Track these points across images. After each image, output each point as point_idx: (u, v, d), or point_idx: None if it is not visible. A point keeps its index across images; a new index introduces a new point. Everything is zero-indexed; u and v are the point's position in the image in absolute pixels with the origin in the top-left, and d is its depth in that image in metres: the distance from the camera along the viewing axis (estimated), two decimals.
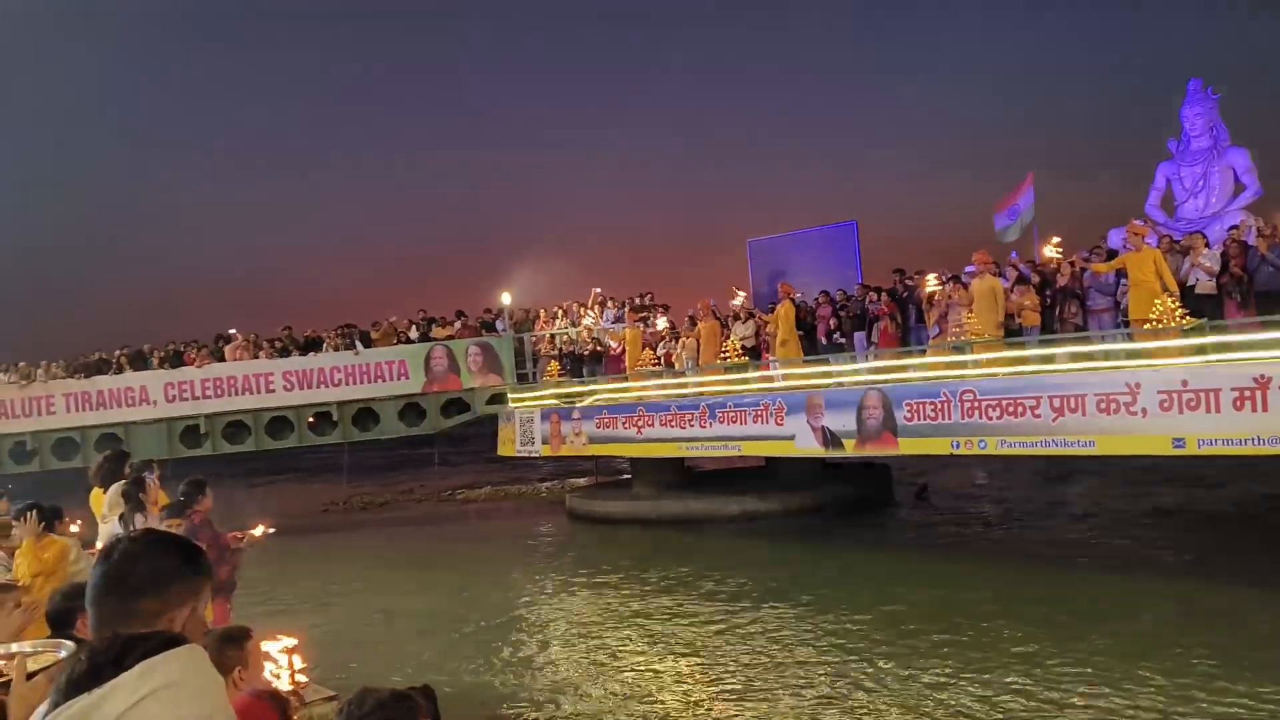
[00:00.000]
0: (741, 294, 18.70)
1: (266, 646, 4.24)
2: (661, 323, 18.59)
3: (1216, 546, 11.71)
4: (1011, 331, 13.07)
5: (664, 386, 16.70)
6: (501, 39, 75.88)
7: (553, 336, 20.33)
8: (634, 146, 71.54)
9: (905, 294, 15.33)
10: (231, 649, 3.24)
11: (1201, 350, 10.49)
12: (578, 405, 17.56)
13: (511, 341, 19.97)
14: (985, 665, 7.60)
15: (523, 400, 18.71)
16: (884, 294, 15.49)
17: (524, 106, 75.20)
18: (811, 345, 15.94)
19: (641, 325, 18.69)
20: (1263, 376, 9.40)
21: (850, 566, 11.93)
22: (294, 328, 21.58)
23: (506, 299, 21.41)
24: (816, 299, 16.60)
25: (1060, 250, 13.63)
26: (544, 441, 17.84)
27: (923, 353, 13.79)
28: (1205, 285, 12.10)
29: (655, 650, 8.79)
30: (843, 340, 15.70)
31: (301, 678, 4.70)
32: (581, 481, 22.16)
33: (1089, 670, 7.32)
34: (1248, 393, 9.47)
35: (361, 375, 19.76)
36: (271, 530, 6.79)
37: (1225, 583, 9.81)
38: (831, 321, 15.97)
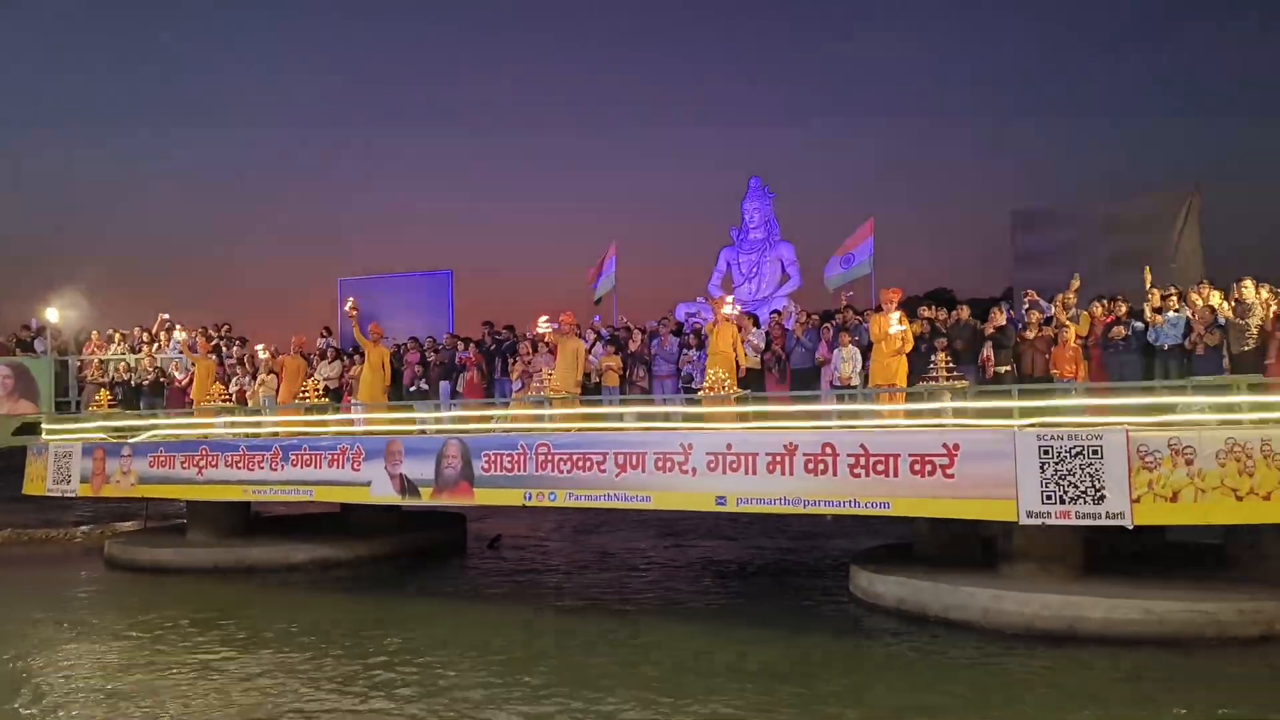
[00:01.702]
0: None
1: None
2: (236, 356, 17.35)
3: (739, 592, 13.02)
4: (588, 390, 13.80)
5: (234, 424, 15.54)
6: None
7: (104, 362, 18.15)
8: (225, 165, 66.71)
9: (493, 346, 15.65)
10: None
11: (744, 418, 11.78)
12: (130, 441, 15.78)
13: (52, 365, 17.54)
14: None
15: (61, 432, 16.44)
16: (473, 344, 15.70)
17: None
18: (397, 391, 15.70)
19: (214, 357, 17.33)
20: (791, 444, 10.74)
21: (410, 614, 11.76)
22: None
23: (52, 315, 18.82)
24: (405, 344, 16.42)
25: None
26: (83, 480, 15.78)
27: (505, 405, 14.11)
28: (751, 360, 13.64)
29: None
30: (427, 387, 15.63)
31: None
32: (128, 526, 19.82)
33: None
34: (779, 457, 10.76)
35: None
36: None
37: (733, 624, 10.90)
38: (418, 368, 15.86)
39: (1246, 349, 11.23)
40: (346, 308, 15.72)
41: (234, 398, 16.43)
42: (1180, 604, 9.30)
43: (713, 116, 66.91)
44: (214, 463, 14.66)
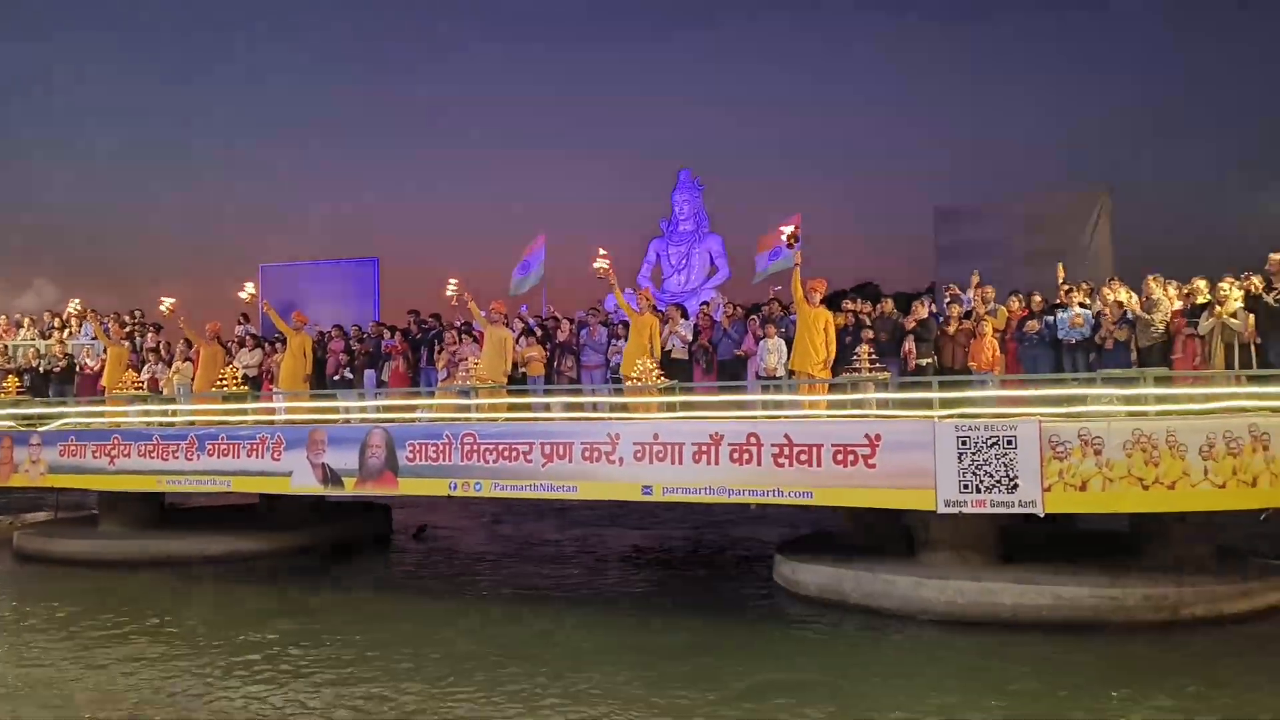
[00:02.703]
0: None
1: None
2: (150, 343, 16.85)
3: (663, 581, 13.10)
4: (515, 380, 13.71)
5: (148, 413, 15.10)
6: None
7: (12, 348, 17.48)
8: (151, 151, 64.57)
9: (419, 334, 15.45)
10: None
11: (671, 408, 11.83)
12: (40, 429, 15.25)
13: None
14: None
15: None
16: (399, 333, 15.49)
17: None
18: (319, 379, 15.41)
19: (128, 344, 16.81)
20: (717, 434, 10.83)
21: (321, 605, 11.60)
22: None
23: None
24: (329, 332, 16.12)
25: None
26: None
27: (431, 394, 13.96)
28: (680, 351, 13.69)
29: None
30: (351, 376, 15.37)
31: None
32: (40, 516, 19.19)
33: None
34: (705, 447, 10.85)
35: None
36: None
37: (655, 612, 10.98)
38: (342, 357, 15.58)
39: (1153, 343, 11.65)
40: (244, 294, 15.32)
41: (147, 385, 15.96)
42: (1089, 590, 9.62)
43: (643, 107, 66.85)
44: (126, 452, 14.24)
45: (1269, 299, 11.17)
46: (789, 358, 12.27)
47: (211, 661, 8.96)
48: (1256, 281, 11.44)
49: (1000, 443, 9.74)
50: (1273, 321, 11.17)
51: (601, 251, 12.91)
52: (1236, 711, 7.23)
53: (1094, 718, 7.21)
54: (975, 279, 13.65)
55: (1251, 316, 11.26)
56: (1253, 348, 11.31)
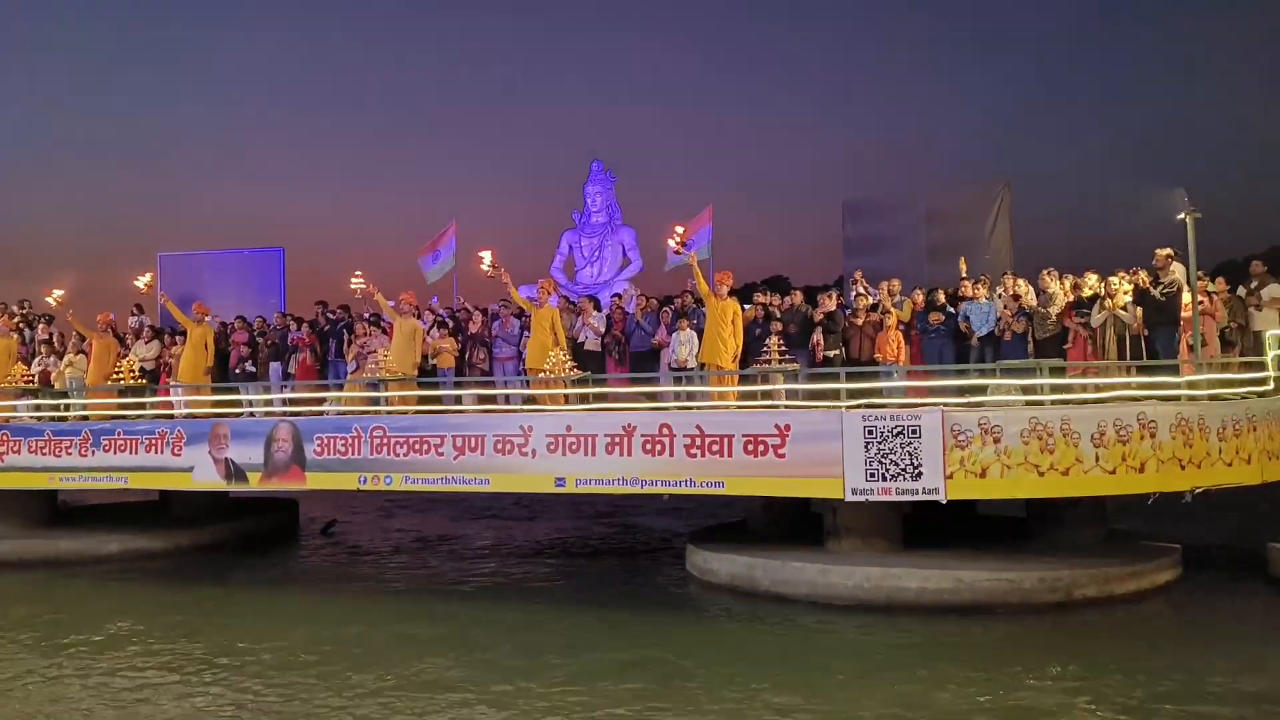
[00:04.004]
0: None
1: None
2: (42, 335, 16.14)
3: (576, 572, 13.11)
4: (425, 372, 13.53)
5: (39, 408, 14.48)
6: None
7: None
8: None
9: (327, 326, 15.12)
10: None
11: (584, 399, 11.83)
12: None
13: None
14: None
15: None
16: (305, 324, 15.14)
17: None
18: (223, 372, 14.96)
19: (15, 335, 16.06)
20: (629, 425, 10.88)
21: (217, 604, 11.32)
22: None
23: None
24: (231, 324, 15.66)
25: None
26: None
27: (340, 387, 13.69)
28: (592, 343, 13.70)
29: None
30: (254, 369, 14.96)
31: None
32: None
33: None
34: (618, 438, 10.89)
35: None
36: None
37: (567, 603, 11.00)
38: (245, 349, 15.16)
39: (1048, 335, 12.09)
40: (140, 284, 14.77)
41: (38, 379, 15.30)
42: (987, 573, 9.96)
43: (556, 97, 66.57)
44: (15, 449, 13.66)
45: (1155, 293, 11.69)
46: (700, 350, 12.38)
47: (98, 665, 8.66)
48: (1144, 276, 11.96)
49: (905, 432, 10.00)
50: (1160, 314, 11.70)
51: (482, 254, 12.79)
52: (1126, 682, 7.58)
53: (989, 695, 7.47)
54: (858, 275, 14.02)
55: (1140, 309, 11.77)
56: (1141, 339, 11.84)
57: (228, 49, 66.38)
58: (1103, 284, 12.03)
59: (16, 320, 16.76)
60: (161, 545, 14.17)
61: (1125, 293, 11.83)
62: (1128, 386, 10.86)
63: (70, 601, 11.57)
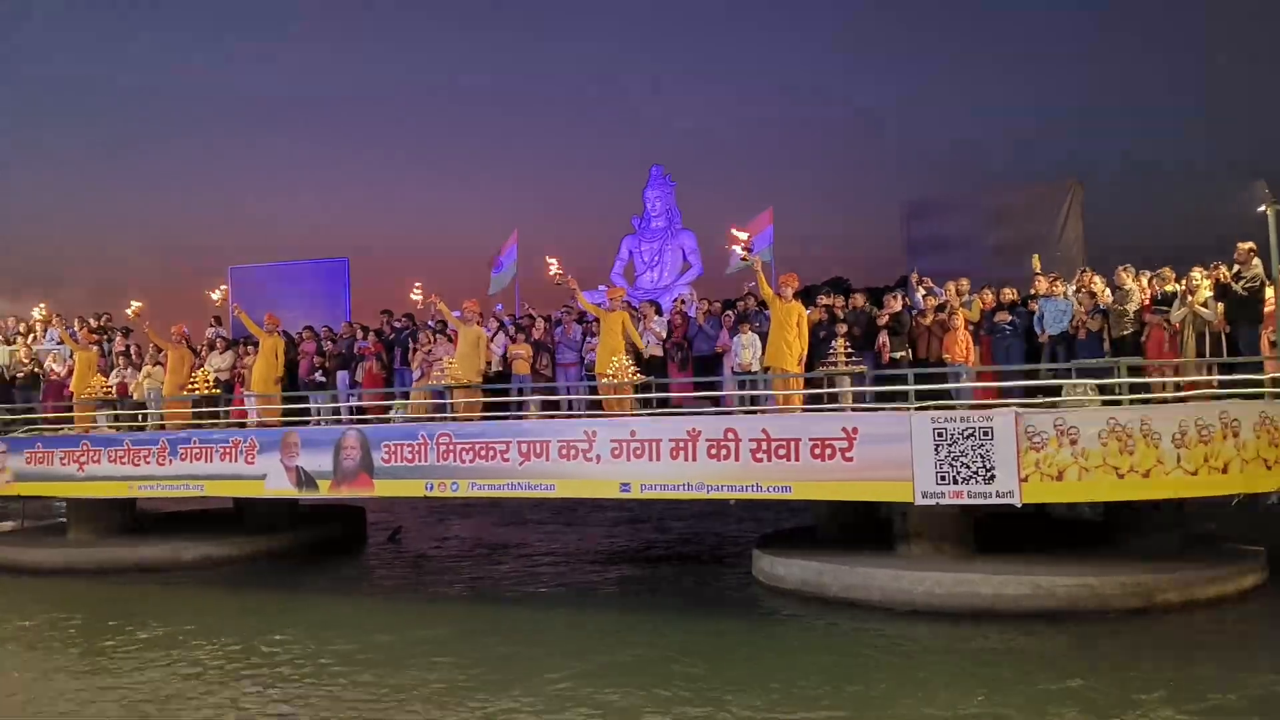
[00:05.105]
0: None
1: None
2: (120, 347, 16.61)
3: (644, 578, 13.07)
4: (491, 378, 13.60)
5: (118, 418, 14.90)
6: None
7: None
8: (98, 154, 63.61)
9: (393, 335, 15.32)
10: None
11: (648, 405, 11.81)
12: (5, 437, 15.00)
13: None
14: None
15: None
16: (372, 333, 15.35)
17: None
18: (293, 382, 15.24)
19: (95, 348, 16.55)
20: (694, 430, 10.83)
21: (298, 610, 11.48)
22: None
23: None
24: (300, 334, 15.95)
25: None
26: None
27: (406, 395, 13.85)
28: (654, 348, 13.66)
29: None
30: (324, 379, 15.21)
31: None
32: (6, 526, 18.85)
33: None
34: (682, 443, 10.85)
35: None
36: None
37: (636, 609, 10.96)
38: (316, 358, 15.42)
39: (1125, 333, 11.75)
40: (215, 295, 15.14)
41: (116, 390, 15.73)
42: (1066, 579, 9.69)
43: (614, 104, 66.70)
44: (96, 458, 14.05)
45: (1238, 288, 11.31)
46: (763, 353, 12.26)
47: (194, 669, 8.84)
48: (1225, 270, 11.58)
49: (977, 434, 9.79)
50: (1242, 310, 11.31)
51: (550, 260, 12.85)
52: (1217, 690, 7.30)
53: (1072, 706, 7.25)
54: (915, 276, 13.82)
55: (1221, 305, 11.39)
56: (1223, 336, 11.46)
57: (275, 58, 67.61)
58: (1183, 280, 11.66)
59: (95, 333, 17.28)
60: (236, 552, 14.46)
61: (1206, 288, 11.46)
62: (1209, 385, 10.52)
63: (155, 607, 11.84)
